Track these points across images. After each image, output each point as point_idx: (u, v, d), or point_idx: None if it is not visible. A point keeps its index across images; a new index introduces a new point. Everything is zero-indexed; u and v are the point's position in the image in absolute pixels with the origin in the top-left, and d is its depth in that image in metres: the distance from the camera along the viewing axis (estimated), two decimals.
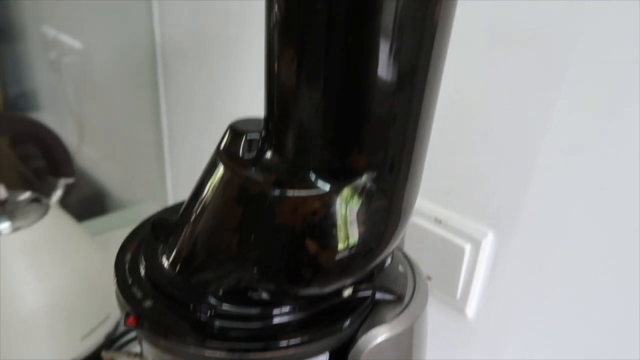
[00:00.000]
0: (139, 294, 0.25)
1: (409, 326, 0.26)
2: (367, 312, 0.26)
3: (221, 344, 0.23)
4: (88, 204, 0.88)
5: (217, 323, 0.24)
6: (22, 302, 0.48)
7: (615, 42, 0.31)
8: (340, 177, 0.22)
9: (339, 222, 0.23)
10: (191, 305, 0.24)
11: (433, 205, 0.43)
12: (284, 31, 0.21)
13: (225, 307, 0.24)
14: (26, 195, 0.54)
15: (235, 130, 0.25)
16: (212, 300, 0.24)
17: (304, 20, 0.20)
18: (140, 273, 0.27)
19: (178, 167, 0.82)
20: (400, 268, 0.29)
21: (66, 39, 0.84)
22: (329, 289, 0.24)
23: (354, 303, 0.26)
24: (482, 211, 0.40)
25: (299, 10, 0.20)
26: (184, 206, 0.27)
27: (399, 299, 0.27)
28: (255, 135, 0.25)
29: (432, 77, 0.22)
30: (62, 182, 0.57)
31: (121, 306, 0.25)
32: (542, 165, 0.36)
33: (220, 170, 0.25)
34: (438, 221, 0.42)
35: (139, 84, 0.79)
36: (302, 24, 0.21)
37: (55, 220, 0.53)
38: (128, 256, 0.28)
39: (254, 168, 0.24)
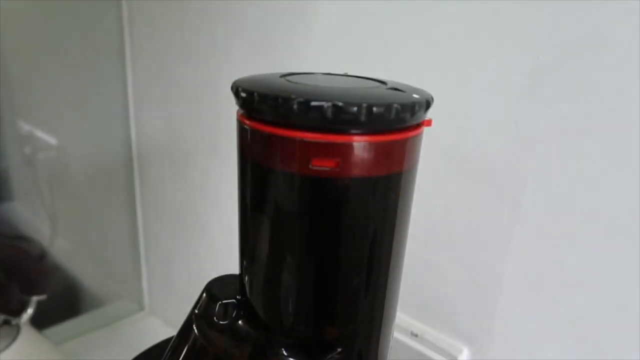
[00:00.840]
0: None
1: None
2: None
3: None
4: (61, 299, 0.86)
5: None
6: None
7: (562, 177, 0.33)
8: (315, 353, 0.23)
9: None
10: None
11: (409, 319, 0.43)
12: (258, 210, 0.23)
13: None
14: None
15: (210, 295, 0.26)
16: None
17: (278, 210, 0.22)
18: None
19: (154, 265, 0.82)
20: None
21: (41, 134, 0.86)
22: None
23: None
24: (455, 327, 0.41)
25: (273, 202, 0.22)
26: None
27: None
28: (230, 300, 0.25)
29: (398, 246, 0.23)
30: (34, 300, 0.56)
31: None
32: (508, 285, 0.37)
33: (195, 336, 0.25)
34: (414, 335, 0.43)
35: (114, 181, 0.80)
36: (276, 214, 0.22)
37: (28, 343, 0.52)
38: None
39: (227, 337, 0.24)
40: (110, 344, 0.74)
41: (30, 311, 0.55)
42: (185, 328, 0.26)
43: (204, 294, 0.26)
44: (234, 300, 0.25)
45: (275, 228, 0.22)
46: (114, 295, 0.85)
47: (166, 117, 0.68)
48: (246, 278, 0.24)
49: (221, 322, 0.25)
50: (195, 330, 0.26)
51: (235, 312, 0.25)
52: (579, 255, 0.34)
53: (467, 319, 0.40)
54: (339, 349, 0.23)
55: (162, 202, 0.75)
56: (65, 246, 0.89)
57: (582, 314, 0.34)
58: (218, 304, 0.25)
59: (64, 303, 0.85)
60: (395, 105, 0.19)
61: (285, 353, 0.23)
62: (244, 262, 0.24)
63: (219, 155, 0.61)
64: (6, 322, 0.53)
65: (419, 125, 0.22)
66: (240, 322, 0.25)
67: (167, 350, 0.27)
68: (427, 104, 0.21)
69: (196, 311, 0.26)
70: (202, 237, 0.68)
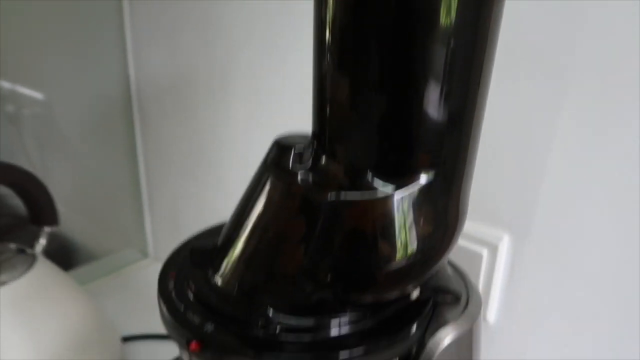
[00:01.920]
0: (196, 320, 0.24)
1: (470, 326, 0.26)
2: (430, 315, 0.26)
3: (290, 357, 0.22)
4: (59, 254, 0.83)
5: (283, 337, 0.23)
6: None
7: (614, 55, 0.33)
8: (400, 178, 0.22)
9: (407, 222, 0.23)
10: (255, 322, 0.23)
11: None
12: (338, 45, 0.22)
13: (289, 320, 0.23)
14: (11, 246, 0.50)
15: (282, 145, 0.25)
16: (276, 315, 0.23)
17: (359, 33, 0.21)
18: (190, 299, 0.25)
19: (158, 211, 0.80)
20: (449, 270, 0.29)
21: (25, 90, 0.81)
22: (398, 291, 0.24)
23: (416, 307, 0.26)
24: (495, 215, 0.41)
25: (353, 23, 0.21)
26: (227, 228, 0.27)
27: (456, 299, 0.27)
28: (302, 148, 0.24)
29: (486, 71, 0.22)
30: (46, 231, 0.54)
31: (178, 334, 0.24)
32: (552, 168, 0.37)
33: (273, 184, 0.24)
34: None
35: (112, 128, 0.77)
36: (357, 36, 0.21)
37: (43, 271, 0.50)
38: (171, 284, 0.27)
39: (311, 177, 0.24)
40: (115, 291, 0.72)
41: (42, 241, 0.53)
42: (257, 183, 0.25)
43: (274, 147, 0.25)
44: (305, 147, 0.24)
45: (360, 47, 0.21)
46: (116, 245, 0.83)
47: (169, 51, 0.66)
48: (328, 111, 0.23)
49: (297, 168, 0.24)
50: (270, 180, 0.25)
51: (313, 156, 0.24)
52: (623, 142, 0.34)
53: (507, 206, 0.40)
54: (424, 176, 0.23)
55: (166, 145, 0.73)
56: (59, 206, 0.86)
57: (629, 196, 0.35)
58: (292, 151, 0.24)
59: (62, 258, 0.82)
60: None
61: (373, 183, 0.23)
62: (324, 95, 0.23)
63: (230, 89, 0.59)
64: (21, 251, 0.50)
65: None
66: (320, 163, 0.24)
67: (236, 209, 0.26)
68: None
69: (268, 163, 0.25)
70: (211, 176, 0.67)
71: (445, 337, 0.25)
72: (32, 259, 0.50)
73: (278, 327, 0.23)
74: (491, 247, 0.41)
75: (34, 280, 0.49)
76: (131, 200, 0.81)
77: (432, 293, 0.26)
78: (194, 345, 0.23)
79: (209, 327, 0.23)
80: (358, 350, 0.23)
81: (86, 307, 0.52)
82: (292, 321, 0.23)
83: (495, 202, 0.41)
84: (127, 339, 0.60)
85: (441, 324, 0.26)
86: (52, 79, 0.78)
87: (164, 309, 0.25)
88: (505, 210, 0.41)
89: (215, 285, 0.25)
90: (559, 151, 0.37)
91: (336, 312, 0.24)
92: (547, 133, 0.37)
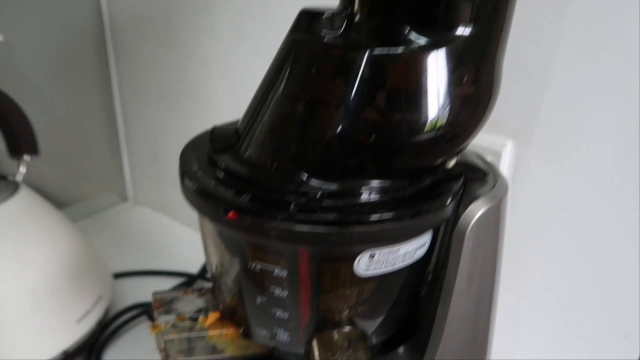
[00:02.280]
0: (229, 193, 0.23)
1: (499, 202, 0.26)
2: (463, 190, 0.26)
3: (327, 218, 0.22)
4: None
5: (319, 203, 0.22)
6: (7, 287, 0.42)
7: None
8: (439, 32, 0.22)
9: (445, 79, 0.22)
10: (291, 190, 0.22)
11: None
12: None
13: (325, 186, 0.23)
14: None
15: (311, 12, 0.24)
16: (312, 182, 0.22)
17: None
18: (220, 176, 0.24)
19: (137, 151, 0.77)
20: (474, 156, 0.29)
21: None
22: (436, 156, 0.24)
23: (450, 180, 0.25)
24: (499, 122, 0.41)
25: None
26: (253, 106, 0.25)
27: (485, 176, 0.27)
28: (332, 13, 0.23)
29: None
30: (26, 160, 0.51)
31: (213, 207, 0.23)
32: (555, 75, 0.38)
33: (306, 50, 0.23)
34: None
35: (83, 64, 0.73)
36: None
37: (28, 199, 0.48)
38: (195, 166, 0.26)
39: (345, 39, 0.23)
40: (95, 234, 0.70)
41: (23, 170, 0.50)
42: (287, 52, 0.24)
43: (302, 16, 0.24)
44: (333, 12, 0.23)
45: None
46: (92, 191, 0.79)
47: None
48: None
49: (332, 31, 0.23)
50: (302, 47, 0.23)
51: (344, 21, 0.23)
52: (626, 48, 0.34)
53: (511, 112, 0.40)
54: (462, 30, 0.22)
55: (144, 77, 0.69)
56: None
57: (630, 97, 0.35)
58: (323, 17, 0.23)
59: None
60: None
61: (411, 38, 0.22)
62: None
63: (215, 8, 0.56)
64: (2, 178, 0.48)
65: None
66: (353, 25, 0.23)
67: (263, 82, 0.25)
68: None
69: (297, 32, 0.24)
70: (195, 106, 0.64)
71: (478, 210, 0.25)
72: (15, 187, 0.48)
73: (315, 193, 0.22)
74: (495, 154, 0.41)
75: (20, 206, 0.47)
76: (107, 142, 0.77)
77: (464, 169, 0.26)
78: (232, 214, 0.22)
79: (245, 197, 0.22)
80: (393, 215, 0.22)
81: (75, 237, 0.50)
82: (328, 187, 0.23)
83: (500, 109, 0.41)
84: (117, 276, 0.59)
85: (473, 198, 0.26)
86: (11, 15, 0.72)
87: (193, 186, 0.24)
88: (509, 117, 0.41)
89: (247, 159, 0.24)
90: (563, 57, 0.37)
91: (372, 178, 0.23)
92: (552, 38, 0.37)
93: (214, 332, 0.27)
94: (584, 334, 0.43)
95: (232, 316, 0.28)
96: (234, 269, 0.26)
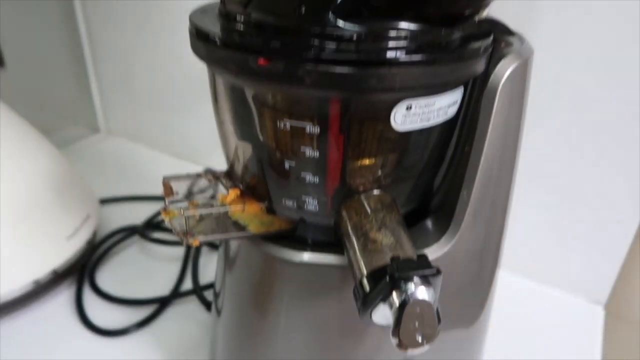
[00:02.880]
0: (257, 39, 0.21)
1: (526, 60, 0.26)
2: (492, 47, 0.25)
3: (365, 58, 0.20)
4: None
5: (358, 45, 0.21)
6: None
7: None
8: None
9: None
10: (323, 32, 0.20)
11: None
12: None
13: (358, 28, 0.21)
14: None
15: None
16: (344, 25, 0.21)
17: None
18: (239, 29, 0.22)
19: (106, 79, 0.72)
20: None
21: None
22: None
23: (478, 36, 0.24)
24: None
25: None
26: None
27: (509, 37, 0.26)
28: None
29: None
30: None
31: (240, 57, 0.21)
32: None
33: None
34: None
35: None
36: None
37: (4, 112, 0.44)
38: (209, 23, 0.23)
39: None
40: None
41: None
42: None
43: None
44: None
45: None
46: (58, 125, 0.74)
47: None
48: None
49: None
50: None
51: None
52: None
53: None
54: None
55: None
56: None
57: None
58: None
59: None
60: None
61: None
62: None
63: None
64: None
65: None
66: None
67: None
68: None
69: None
70: (171, 18, 0.60)
71: (508, 67, 0.24)
72: None
73: (350, 34, 0.20)
74: None
75: None
76: (72, 68, 0.72)
77: (492, 26, 0.25)
78: (263, 60, 0.20)
79: (275, 42, 0.20)
80: (432, 57, 0.21)
81: (55, 156, 0.47)
82: (361, 29, 0.21)
83: None
84: (102, 202, 0.56)
85: (501, 55, 0.25)
86: None
87: (214, 37, 0.22)
88: None
89: (268, 8, 0.22)
90: None
91: (404, 20, 0.22)
92: None
93: (235, 208, 0.26)
94: (581, 222, 0.44)
95: (253, 192, 0.27)
96: (259, 134, 0.24)
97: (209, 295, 0.45)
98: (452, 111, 0.24)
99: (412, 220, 0.29)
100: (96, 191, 0.53)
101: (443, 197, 0.30)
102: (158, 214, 0.55)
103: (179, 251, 0.51)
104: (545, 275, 0.48)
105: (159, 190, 0.63)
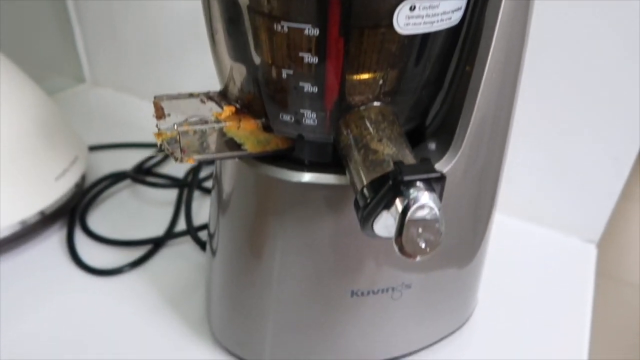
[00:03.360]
0: None
1: None
2: None
3: None
4: None
5: None
6: None
7: None
8: None
9: None
10: None
11: None
12: None
13: None
14: None
15: None
16: None
17: None
18: None
19: (92, 30, 0.69)
20: None
21: None
22: None
23: None
24: None
25: None
26: None
27: None
28: None
29: None
30: None
31: None
32: None
33: None
34: None
35: None
36: None
37: None
38: None
39: None
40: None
41: None
42: None
43: None
44: None
45: None
46: (42, 73, 0.72)
47: None
48: None
49: None
50: None
51: None
52: None
53: None
54: None
55: None
56: None
57: None
58: None
59: None
60: None
61: None
62: None
63: None
64: None
65: None
66: None
67: None
68: None
69: None
70: None
71: None
72: None
73: None
74: None
75: None
76: (54, 14, 0.69)
77: None
78: None
79: None
80: None
81: (40, 96, 0.46)
82: None
83: None
84: (91, 149, 0.55)
85: None
86: None
87: None
88: None
89: None
90: None
91: None
92: None
93: (230, 124, 0.25)
94: (576, 160, 0.44)
95: (249, 110, 0.26)
96: (254, 46, 0.23)
97: (203, 236, 0.45)
98: (456, 17, 0.23)
99: (411, 143, 0.29)
100: (84, 139, 0.51)
101: (443, 119, 0.29)
102: (149, 159, 0.54)
103: (172, 195, 0.50)
104: (539, 216, 0.48)
105: (147, 138, 0.62)
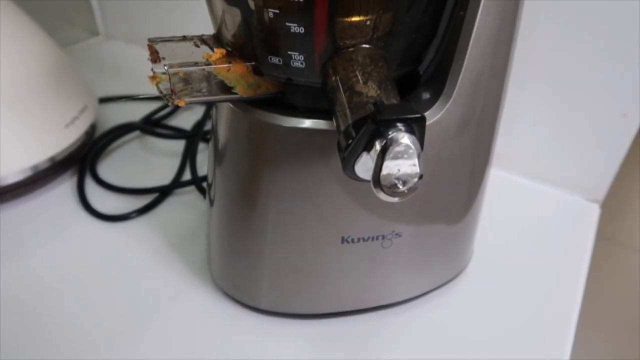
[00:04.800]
0: None
1: None
2: None
3: None
4: None
5: None
6: None
7: None
8: None
9: None
10: None
11: None
12: None
13: None
14: None
15: None
16: None
17: None
18: None
19: None
20: None
21: None
22: None
23: None
24: None
25: None
26: None
27: None
28: None
29: None
30: None
31: None
32: None
33: None
34: None
35: None
36: None
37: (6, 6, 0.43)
38: None
39: None
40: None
41: None
42: None
43: None
44: None
45: None
46: (57, 25, 0.72)
47: None
48: None
49: None
50: None
51: None
52: None
53: None
54: None
55: None
56: None
57: None
58: None
59: None
60: None
61: None
62: None
63: None
64: None
65: None
66: None
67: None
68: None
69: None
70: None
71: None
72: None
73: None
74: None
75: None
76: None
77: None
78: None
79: None
80: None
81: (55, 49, 0.46)
82: None
83: None
84: (101, 101, 0.56)
85: None
86: None
87: None
88: None
89: None
90: None
91: None
92: None
93: (221, 67, 0.25)
94: (584, 116, 0.43)
95: (240, 53, 0.26)
96: None
97: None
98: None
99: (404, 90, 0.28)
100: (96, 91, 0.52)
101: (436, 67, 0.29)
102: (158, 110, 0.55)
103: (178, 146, 0.51)
104: (543, 173, 0.48)
105: (156, 91, 0.63)
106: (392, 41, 0.25)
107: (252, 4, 0.24)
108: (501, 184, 0.48)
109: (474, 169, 0.33)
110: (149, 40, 0.28)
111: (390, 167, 0.20)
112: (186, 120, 0.55)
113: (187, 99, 0.25)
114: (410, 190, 0.21)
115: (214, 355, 0.33)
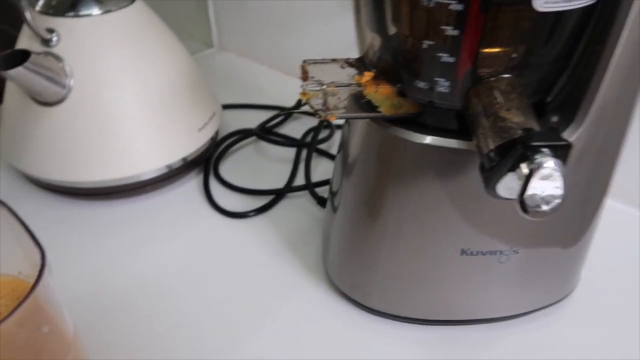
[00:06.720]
0: None
1: None
2: None
3: None
4: None
5: None
6: (138, 89, 0.45)
7: None
8: None
9: None
10: None
11: None
12: None
13: None
14: None
15: None
16: None
17: None
18: None
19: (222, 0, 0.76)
20: None
21: None
22: None
23: None
24: None
25: None
26: None
27: None
28: None
29: None
30: None
31: None
32: None
33: None
34: None
35: None
36: None
37: (143, 9, 0.49)
38: None
39: None
40: None
41: None
42: None
43: None
44: None
45: None
46: (178, 37, 0.80)
47: None
48: None
49: None
50: None
51: None
52: None
53: None
54: None
55: None
56: None
57: None
58: None
59: None
60: None
61: None
62: None
63: None
64: None
65: None
66: None
67: None
68: None
69: None
70: None
71: None
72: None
73: None
74: None
75: (135, 14, 0.48)
76: None
77: None
78: None
79: None
80: None
81: (185, 53, 0.52)
82: None
83: None
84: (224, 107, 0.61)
85: None
86: None
87: None
88: None
89: None
90: None
91: None
92: None
93: (369, 88, 0.28)
94: None
95: (386, 76, 0.29)
96: (395, 17, 0.26)
97: (319, 192, 0.49)
98: None
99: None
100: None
101: (566, 96, 0.30)
102: (272, 118, 0.59)
103: (288, 153, 0.55)
104: None
105: (268, 100, 0.67)
106: (528, 72, 0.27)
107: (402, 35, 0.26)
108: (610, 213, 0.47)
109: (593, 195, 0.34)
110: (304, 61, 0.31)
111: (536, 188, 0.22)
112: (295, 129, 0.59)
113: (338, 114, 0.29)
114: (553, 210, 0.23)
115: (327, 348, 0.36)
